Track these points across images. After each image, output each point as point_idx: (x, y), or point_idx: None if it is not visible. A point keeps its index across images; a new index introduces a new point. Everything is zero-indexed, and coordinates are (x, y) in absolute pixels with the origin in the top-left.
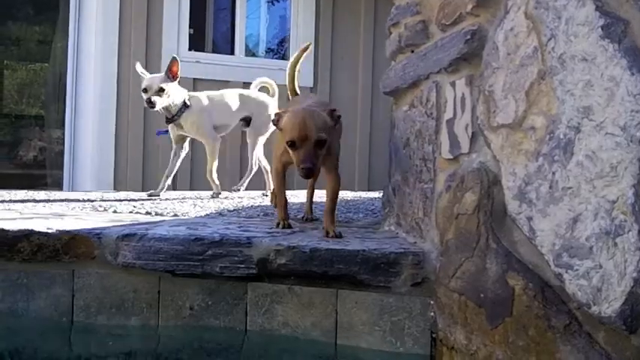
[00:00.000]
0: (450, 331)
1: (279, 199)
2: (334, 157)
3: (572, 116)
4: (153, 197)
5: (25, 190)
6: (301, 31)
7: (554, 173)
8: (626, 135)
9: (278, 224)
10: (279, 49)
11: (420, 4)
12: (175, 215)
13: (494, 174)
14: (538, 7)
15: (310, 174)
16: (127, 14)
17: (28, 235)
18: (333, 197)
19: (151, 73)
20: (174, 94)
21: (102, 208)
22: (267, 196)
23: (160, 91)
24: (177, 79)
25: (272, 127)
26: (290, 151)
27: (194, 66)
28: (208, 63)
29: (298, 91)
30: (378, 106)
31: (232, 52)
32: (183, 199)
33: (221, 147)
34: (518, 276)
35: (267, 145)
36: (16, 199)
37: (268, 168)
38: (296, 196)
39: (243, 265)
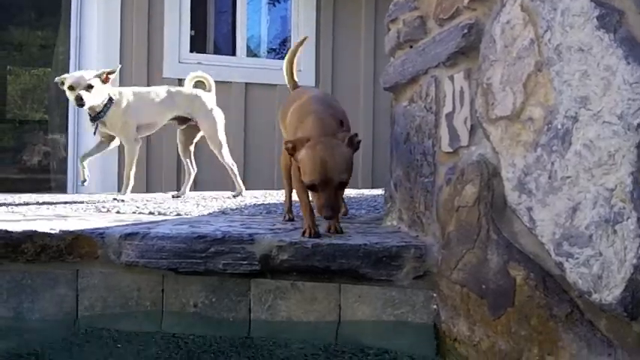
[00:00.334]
0: (452, 322)
1: (305, 206)
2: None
3: (570, 106)
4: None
5: (29, 194)
6: (302, 31)
7: (552, 163)
8: (623, 123)
9: (304, 232)
10: (280, 50)
11: (418, 0)
12: (178, 215)
13: (493, 166)
14: (534, 0)
15: (333, 219)
16: (128, 18)
17: (31, 236)
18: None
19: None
20: (102, 92)
21: (105, 209)
22: (234, 197)
23: (89, 87)
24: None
25: (221, 117)
26: (307, 189)
27: (196, 67)
28: (210, 64)
29: (298, 84)
30: (380, 104)
31: (234, 53)
32: (186, 200)
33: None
34: (520, 266)
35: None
36: (20, 202)
37: (235, 168)
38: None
39: (245, 262)
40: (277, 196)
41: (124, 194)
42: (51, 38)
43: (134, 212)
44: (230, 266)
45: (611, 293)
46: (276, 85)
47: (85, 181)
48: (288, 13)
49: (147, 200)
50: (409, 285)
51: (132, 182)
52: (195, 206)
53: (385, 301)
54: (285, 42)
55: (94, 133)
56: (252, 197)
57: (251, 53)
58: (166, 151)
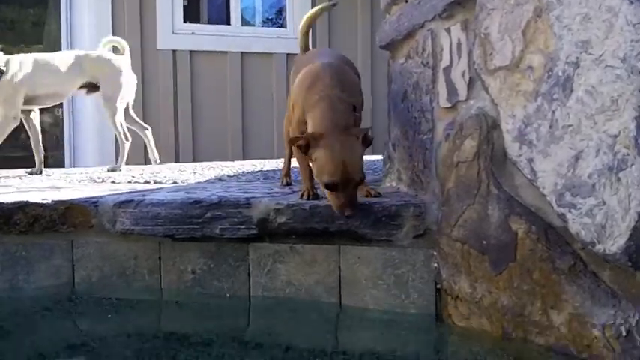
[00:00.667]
0: (454, 280)
1: (303, 170)
2: (358, 117)
3: (571, 52)
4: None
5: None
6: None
7: (553, 112)
8: (627, 66)
9: (302, 195)
10: (276, 18)
11: None
12: (174, 183)
13: (493, 118)
14: None
15: (353, 218)
16: None
17: (23, 207)
18: None
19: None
20: None
21: (100, 180)
22: (119, 171)
23: None
24: None
25: (130, 82)
26: (325, 190)
27: (189, 38)
28: (204, 34)
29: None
30: (378, 66)
31: (228, 22)
32: (182, 170)
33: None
34: (521, 220)
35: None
36: (14, 175)
37: (127, 144)
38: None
39: (243, 226)
40: (275, 164)
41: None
42: (42, 14)
43: (129, 182)
44: (227, 231)
45: (615, 243)
46: (272, 53)
47: None
48: None
49: (143, 170)
50: (409, 244)
51: None
52: (192, 174)
53: (385, 261)
54: (280, 10)
55: None
56: (251, 165)
57: (246, 22)
58: (162, 121)
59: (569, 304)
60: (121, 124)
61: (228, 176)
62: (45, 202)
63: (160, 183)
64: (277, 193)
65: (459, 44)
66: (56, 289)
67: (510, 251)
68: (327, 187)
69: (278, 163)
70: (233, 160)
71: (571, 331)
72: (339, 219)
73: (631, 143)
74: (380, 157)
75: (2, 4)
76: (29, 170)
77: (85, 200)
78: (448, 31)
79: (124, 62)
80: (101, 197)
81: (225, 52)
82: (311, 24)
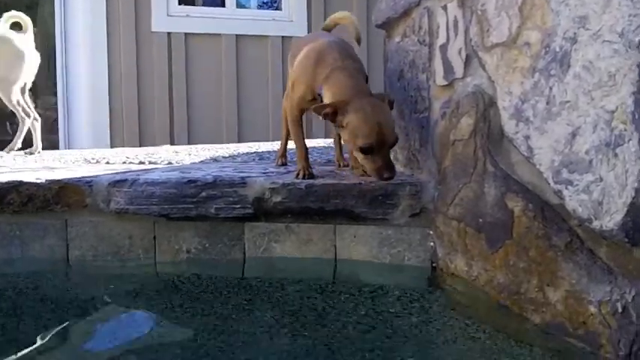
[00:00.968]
0: (450, 259)
1: (299, 149)
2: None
3: (568, 27)
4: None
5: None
6: None
7: (550, 88)
8: (624, 41)
9: (298, 174)
10: (271, 1)
11: None
12: (170, 163)
13: (489, 96)
14: None
15: (392, 179)
16: None
17: (17, 186)
18: None
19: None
20: None
21: (94, 161)
22: (31, 154)
23: None
24: None
25: (31, 60)
26: (359, 154)
27: (184, 20)
28: (199, 16)
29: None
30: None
31: (223, 5)
32: (177, 151)
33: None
34: (517, 197)
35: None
36: (9, 156)
37: (35, 122)
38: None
39: (238, 206)
40: (271, 146)
41: None
42: None
43: (124, 162)
44: (222, 210)
45: (612, 219)
46: (267, 36)
47: None
48: None
49: (138, 152)
50: (405, 223)
51: None
52: (187, 155)
53: (381, 241)
54: None
55: None
56: (246, 147)
57: (241, 5)
58: (157, 104)
59: (566, 282)
60: (19, 102)
61: (223, 157)
62: (39, 181)
63: (155, 163)
64: (272, 172)
65: (456, 21)
66: (49, 268)
67: (507, 229)
68: (363, 150)
69: (273, 145)
70: (228, 143)
71: (567, 308)
72: (334, 198)
73: (628, 118)
74: None
75: None
76: (27, 150)
77: (79, 180)
78: (445, 8)
79: (23, 40)
80: (95, 177)
81: (220, 35)
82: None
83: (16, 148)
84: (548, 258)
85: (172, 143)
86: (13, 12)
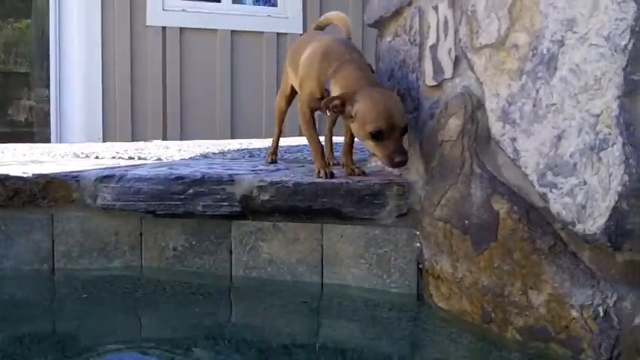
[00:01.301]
0: (435, 260)
1: (314, 146)
2: None
3: (556, 30)
4: None
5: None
6: None
7: (537, 91)
8: (610, 45)
9: (319, 173)
10: None
11: None
12: (159, 159)
13: (477, 97)
14: None
15: (404, 165)
16: None
17: (3, 179)
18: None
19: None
20: None
21: (84, 155)
22: None
23: None
24: None
25: None
26: (369, 142)
27: (180, 15)
28: (195, 11)
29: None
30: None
31: (219, 0)
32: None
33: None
34: (503, 199)
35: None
36: None
37: None
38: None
39: (226, 203)
40: (262, 143)
41: None
42: None
43: (113, 157)
44: (210, 208)
45: (595, 223)
46: (262, 32)
47: None
48: None
49: (128, 147)
50: (392, 223)
51: None
52: (177, 151)
53: (368, 241)
54: None
55: None
56: (237, 143)
57: (237, 0)
58: (151, 99)
59: (549, 285)
60: None
61: (213, 153)
62: (25, 175)
63: (144, 159)
64: (262, 170)
65: (446, 22)
66: (35, 264)
67: (492, 231)
68: (373, 136)
69: (265, 142)
70: (221, 138)
71: (550, 312)
72: (322, 197)
73: (613, 122)
74: None
75: None
76: None
77: (67, 174)
78: (435, 8)
79: None
80: (83, 171)
81: (216, 30)
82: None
83: None
84: (532, 261)
85: (165, 138)
86: None
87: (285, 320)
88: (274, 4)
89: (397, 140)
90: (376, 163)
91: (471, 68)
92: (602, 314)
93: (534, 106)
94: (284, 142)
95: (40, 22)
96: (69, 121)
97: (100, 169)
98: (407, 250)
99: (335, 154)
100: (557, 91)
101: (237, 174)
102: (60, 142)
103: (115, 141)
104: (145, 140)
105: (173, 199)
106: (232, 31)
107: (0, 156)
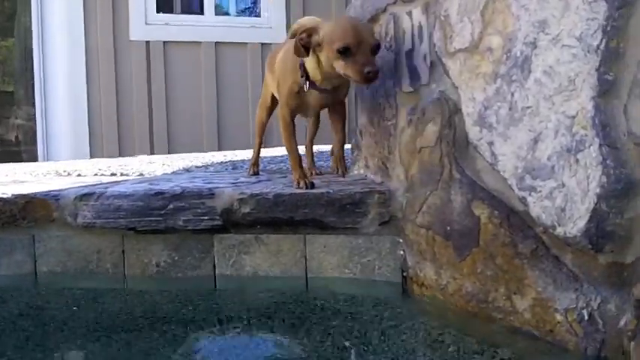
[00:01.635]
0: (419, 267)
1: (292, 155)
2: (345, 95)
3: (528, 32)
4: None
5: None
6: None
7: (512, 94)
8: (583, 45)
9: (298, 183)
10: (250, 8)
11: None
12: (141, 175)
13: (454, 102)
14: None
15: (376, 78)
16: None
17: None
18: (344, 124)
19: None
20: None
21: (66, 173)
22: None
23: None
24: None
25: None
26: (339, 62)
27: (163, 28)
28: (178, 24)
29: None
30: None
31: (202, 12)
32: (152, 161)
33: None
34: (484, 204)
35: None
36: None
37: None
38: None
39: (206, 217)
40: (246, 155)
41: None
42: (13, 7)
43: (95, 174)
44: (191, 222)
45: (575, 225)
46: (246, 43)
47: None
48: None
49: (111, 163)
50: (375, 232)
51: None
52: (160, 166)
53: (351, 250)
54: (256, 1)
55: None
56: (222, 156)
57: (221, 12)
58: (136, 113)
59: (532, 289)
60: None
61: (196, 167)
62: (5, 196)
63: (127, 175)
64: (243, 182)
65: (420, 27)
66: (17, 285)
67: (474, 237)
68: (342, 53)
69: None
70: (207, 151)
71: (534, 316)
72: (303, 207)
73: (589, 123)
74: (348, 145)
75: None
76: None
77: (46, 194)
78: (410, 14)
79: None
80: (62, 190)
81: (199, 43)
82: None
83: None
84: (514, 265)
85: (152, 152)
86: None
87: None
88: (257, 15)
89: (367, 55)
90: (358, 172)
91: (447, 73)
92: (586, 317)
93: (510, 109)
94: (267, 153)
95: (23, 40)
96: (56, 139)
97: (79, 187)
98: (390, 258)
99: (318, 162)
100: (532, 93)
101: (218, 187)
102: (47, 160)
103: (103, 157)
104: (132, 155)
105: (154, 215)
106: (216, 43)
107: None
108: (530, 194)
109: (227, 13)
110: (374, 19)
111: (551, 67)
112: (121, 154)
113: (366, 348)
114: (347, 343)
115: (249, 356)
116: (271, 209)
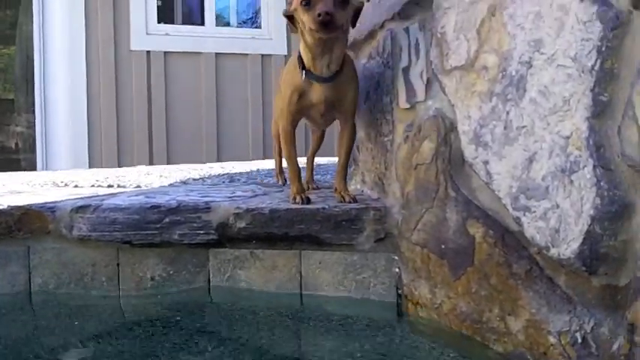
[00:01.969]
0: (414, 285)
1: (292, 168)
2: (352, 102)
3: (524, 51)
4: None
5: None
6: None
7: (508, 113)
8: (578, 65)
9: (295, 198)
10: (250, 19)
11: None
12: (138, 186)
13: (450, 120)
14: None
15: (329, 24)
16: None
17: None
18: (348, 152)
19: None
20: None
21: (63, 184)
22: None
23: None
24: None
25: None
26: (305, 17)
27: (163, 39)
28: (178, 35)
29: None
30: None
31: (203, 23)
32: (149, 173)
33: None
34: (478, 223)
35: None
36: None
37: None
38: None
39: (202, 231)
40: (245, 166)
41: None
42: (15, 15)
43: (92, 186)
44: (186, 236)
45: (569, 247)
46: (247, 54)
47: None
48: None
49: (109, 174)
50: (370, 249)
51: None
52: (157, 178)
53: (346, 267)
54: (255, 12)
55: None
56: (220, 167)
57: (221, 23)
58: (136, 123)
59: (526, 311)
60: None
61: (193, 179)
62: (1, 207)
63: (124, 187)
64: (239, 196)
65: (417, 44)
66: (11, 297)
67: (468, 256)
68: (304, 5)
69: (247, 166)
70: (206, 162)
71: (528, 338)
72: (299, 223)
73: (583, 144)
74: None
75: None
76: None
77: (42, 205)
78: (407, 30)
79: None
80: (58, 202)
81: (200, 53)
82: None
83: None
84: (509, 286)
85: (151, 162)
86: None
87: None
88: (258, 26)
89: (326, 3)
90: (355, 187)
91: (443, 90)
92: (579, 340)
93: (505, 128)
94: (267, 166)
95: (25, 48)
96: (55, 148)
97: (76, 199)
98: (386, 275)
99: (315, 176)
100: (527, 112)
101: (214, 201)
102: (46, 169)
103: (102, 166)
104: (131, 165)
105: (149, 229)
106: (217, 54)
107: None
108: (524, 214)
109: (228, 24)
110: (371, 34)
111: (546, 86)
112: (119, 164)
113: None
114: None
115: None
116: (267, 224)
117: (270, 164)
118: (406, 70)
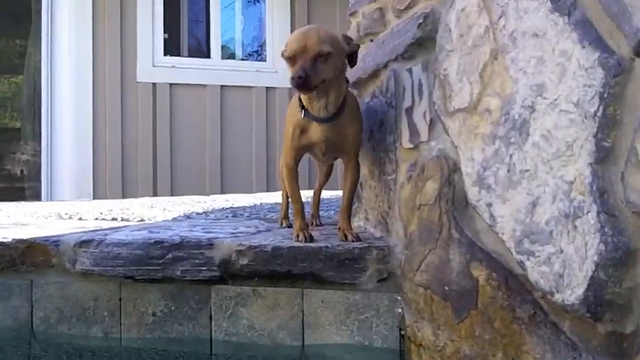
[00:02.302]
0: (417, 327)
1: (295, 203)
2: (354, 143)
3: (526, 95)
4: None
5: None
6: (277, 32)
7: (511, 156)
8: (580, 111)
9: (297, 236)
10: (256, 52)
11: None
12: (142, 220)
13: (453, 161)
14: None
15: (302, 84)
16: (100, 21)
17: None
18: (352, 190)
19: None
20: None
21: (67, 216)
22: None
23: None
24: None
25: None
26: (290, 66)
27: (170, 71)
28: (184, 67)
29: None
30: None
31: (209, 56)
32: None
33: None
34: (482, 266)
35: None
36: None
37: None
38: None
39: (205, 268)
40: (248, 200)
41: None
42: (25, 45)
43: (97, 218)
44: (189, 273)
45: (573, 293)
46: (251, 87)
47: None
48: (263, 15)
49: (113, 206)
50: (373, 288)
51: None
52: (161, 211)
53: (349, 306)
54: (260, 44)
55: None
56: (223, 201)
57: (227, 56)
58: (141, 154)
59: (530, 356)
60: None
61: (197, 213)
62: (5, 240)
63: (127, 220)
64: (242, 233)
65: (420, 85)
66: (13, 330)
67: (472, 298)
68: (288, 61)
69: (252, 198)
70: (210, 193)
71: None
72: (301, 261)
73: (587, 190)
74: None
75: None
76: None
77: (46, 239)
78: (410, 71)
79: None
80: (62, 236)
81: (205, 85)
82: None
83: None
84: (512, 330)
85: (155, 193)
86: None
87: None
88: (263, 59)
89: (305, 61)
90: (358, 224)
91: (446, 132)
92: None
93: (508, 171)
94: (270, 199)
95: (32, 78)
96: (60, 177)
97: (80, 232)
98: (388, 316)
99: (320, 212)
100: (531, 156)
101: (217, 237)
102: (50, 198)
103: (106, 196)
104: (134, 196)
105: (152, 264)
106: (222, 86)
107: None
108: (528, 258)
109: (233, 57)
110: (375, 74)
111: (549, 131)
112: (124, 194)
113: None
114: None
115: None
116: (269, 262)
117: (273, 198)
118: (409, 111)
